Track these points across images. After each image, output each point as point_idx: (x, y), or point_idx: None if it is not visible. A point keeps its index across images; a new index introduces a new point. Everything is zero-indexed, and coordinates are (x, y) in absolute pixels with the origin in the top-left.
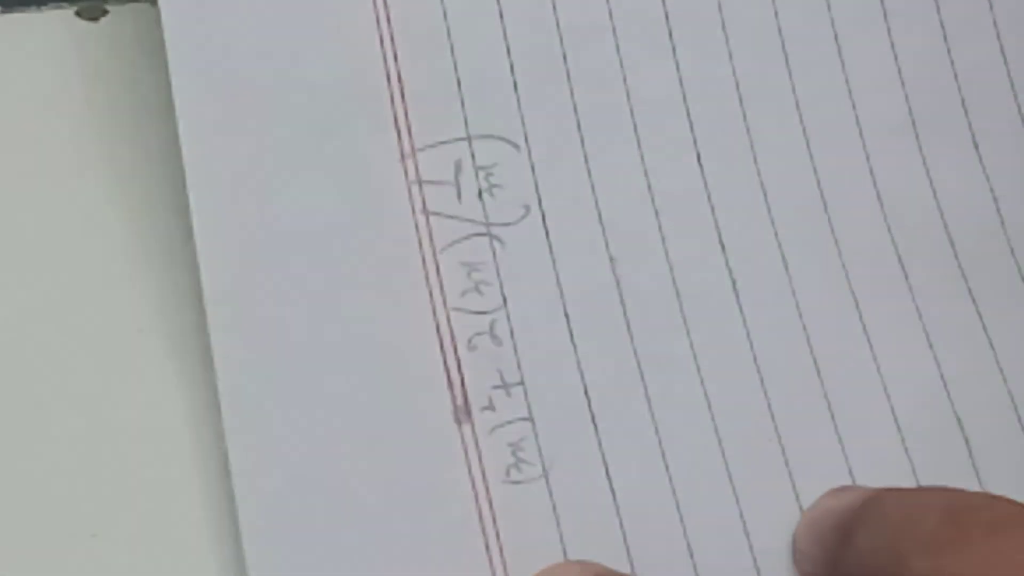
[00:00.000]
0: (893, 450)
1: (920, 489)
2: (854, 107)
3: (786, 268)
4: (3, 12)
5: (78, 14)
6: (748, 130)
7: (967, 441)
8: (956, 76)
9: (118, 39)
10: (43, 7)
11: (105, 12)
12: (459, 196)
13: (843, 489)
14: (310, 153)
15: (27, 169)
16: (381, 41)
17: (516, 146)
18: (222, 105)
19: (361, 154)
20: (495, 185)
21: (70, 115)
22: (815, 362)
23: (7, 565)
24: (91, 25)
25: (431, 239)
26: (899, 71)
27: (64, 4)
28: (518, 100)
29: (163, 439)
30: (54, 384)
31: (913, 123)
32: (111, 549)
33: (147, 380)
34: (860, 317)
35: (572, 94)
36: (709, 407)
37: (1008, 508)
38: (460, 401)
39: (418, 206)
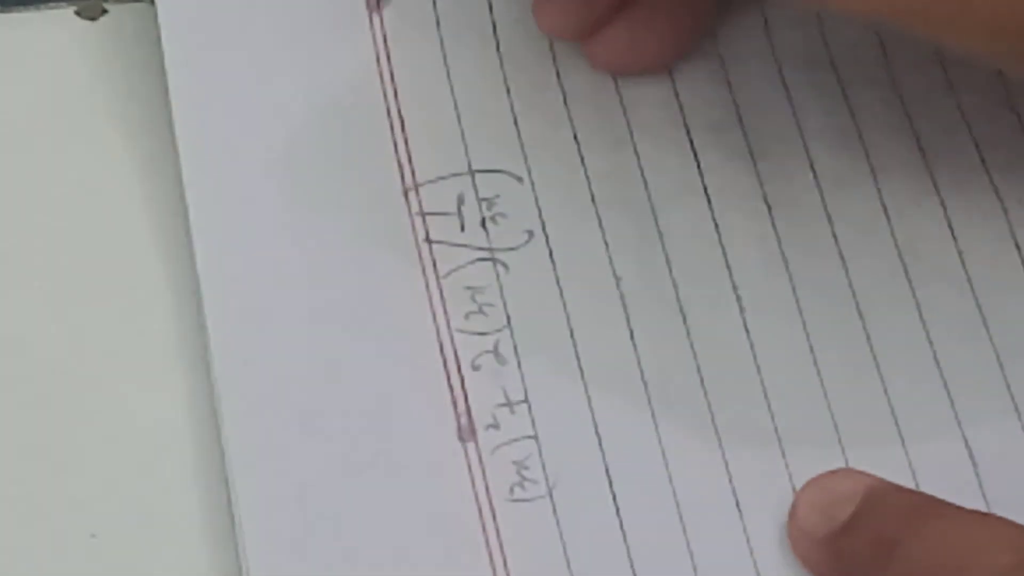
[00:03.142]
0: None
1: (917, 494)
2: None
3: (792, 287)
4: (2, 11)
5: (77, 13)
6: (754, 163)
7: (966, 441)
8: None
9: (117, 38)
10: (42, 6)
11: (104, 11)
12: (462, 226)
13: (852, 472)
14: (311, 164)
15: (26, 167)
16: (381, 78)
17: (519, 178)
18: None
19: (362, 186)
20: (498, 214)
21: (69, 113)
22: (819, 373)
23: (7, 565)
24: (90, 24)
25: (434, 265)
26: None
27: (63, 3)
28: (519, 133)
29: (163, 439)
30: (54, 384)
31: None
32: (111, 549)
33: (147, 380)
34: (862, 319)
35: (572, 125)
36: (714, 422)
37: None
38: (464, 420)
39: (420, 236)
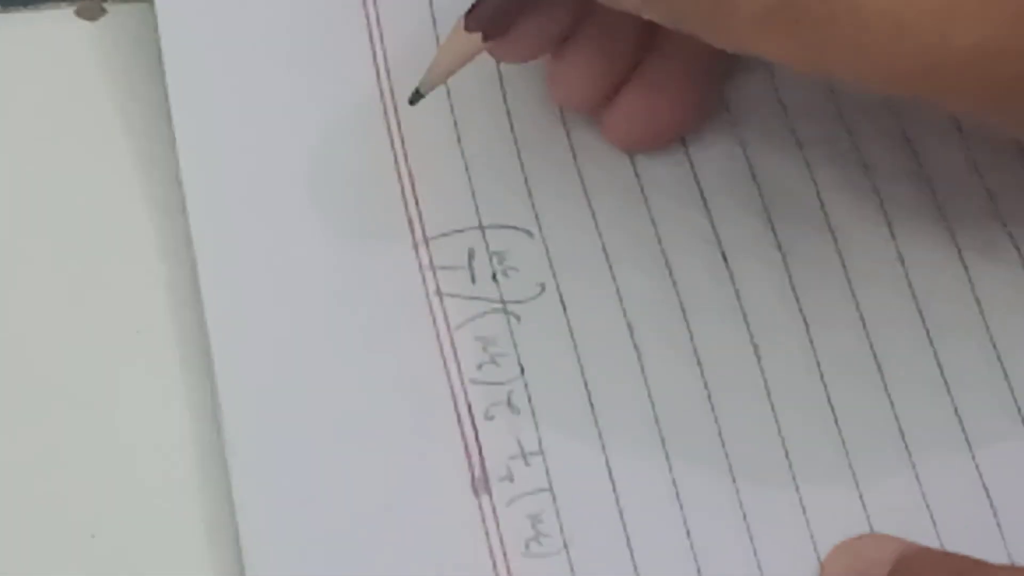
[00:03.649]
0: (913, 502)
1: (950, 556)
2: None
3: (808, 334)
4: (2, 11)
5: (77, 13)
6: (771, 224)
7: (988, 493)
8: None
9: (116, 38)
10: (42, 6)
11: (103, 11)
12: (473, 279)
13: (881, 537)
14: (318, 217)
15: (25, 167)
16: (388, 126)
17: (529, 233)
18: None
19: (371, 239)
20: (509, 267)
21: (68, 113)
22: (836, 421)
23: (7, 565)
24: (90, 24)
25: (445, 318)
26: None
27: (63, 3)
28: (528, 188)
29: (162, 439)
30: (54, 384)
31: None
32: (110, 549)
33: (146, 380)
34: (879, 368)
35: (581, 179)
36: (732, 473)
37: None
38: (478, 472)
39: (431, 289)
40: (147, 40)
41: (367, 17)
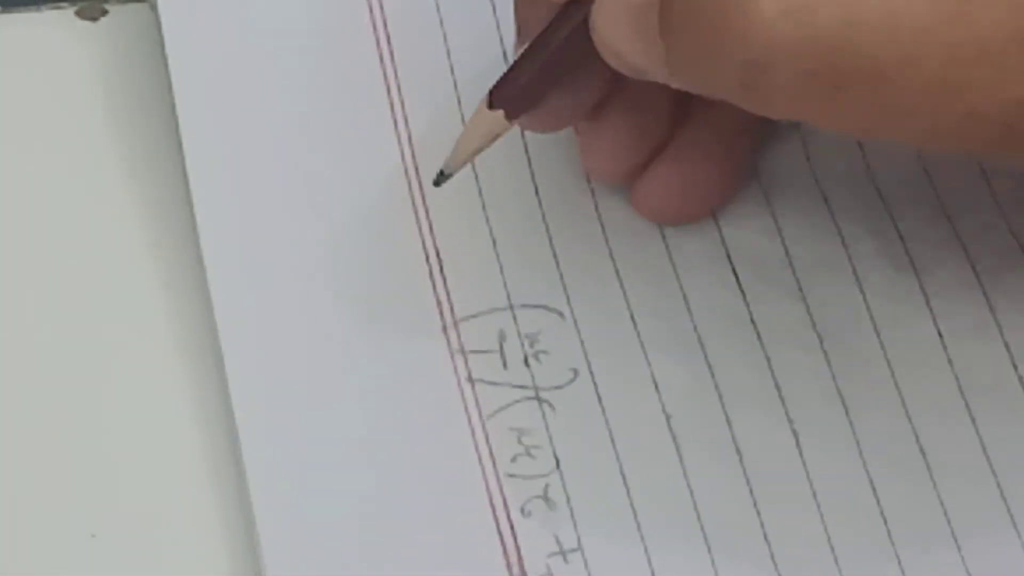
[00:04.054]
0: None
1: None
2: None
3: (850, 422)
4: (3, 12)
5: (77, 14)
6: (806, 304)
7: None
8: None
9: (117, 39)
10: (43, 7)
11: (104, 12)
12: (504, 364)
13: None
14: (341, 302)
15: (26, 168)
16: (414, 204)
17: (560, 314)
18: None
19: (400, 324)
20: (541, 351)
21: (69, 114)
22: (882, 511)
23: (7, 565)
24: (90, 25)
25: (477, 406)
26: None
27: (64, 4)
28: (559, 268)
29: (162, 439)
30: (54, 384)
31: None
32: (110, 549)
33: (147, 381)
34: (924, 456)
35: (612, 255)
36: (776, 567)
37: None
38: (516, 571)
39: (462, 375)
40: (148, 41)
41: (389, 95)
